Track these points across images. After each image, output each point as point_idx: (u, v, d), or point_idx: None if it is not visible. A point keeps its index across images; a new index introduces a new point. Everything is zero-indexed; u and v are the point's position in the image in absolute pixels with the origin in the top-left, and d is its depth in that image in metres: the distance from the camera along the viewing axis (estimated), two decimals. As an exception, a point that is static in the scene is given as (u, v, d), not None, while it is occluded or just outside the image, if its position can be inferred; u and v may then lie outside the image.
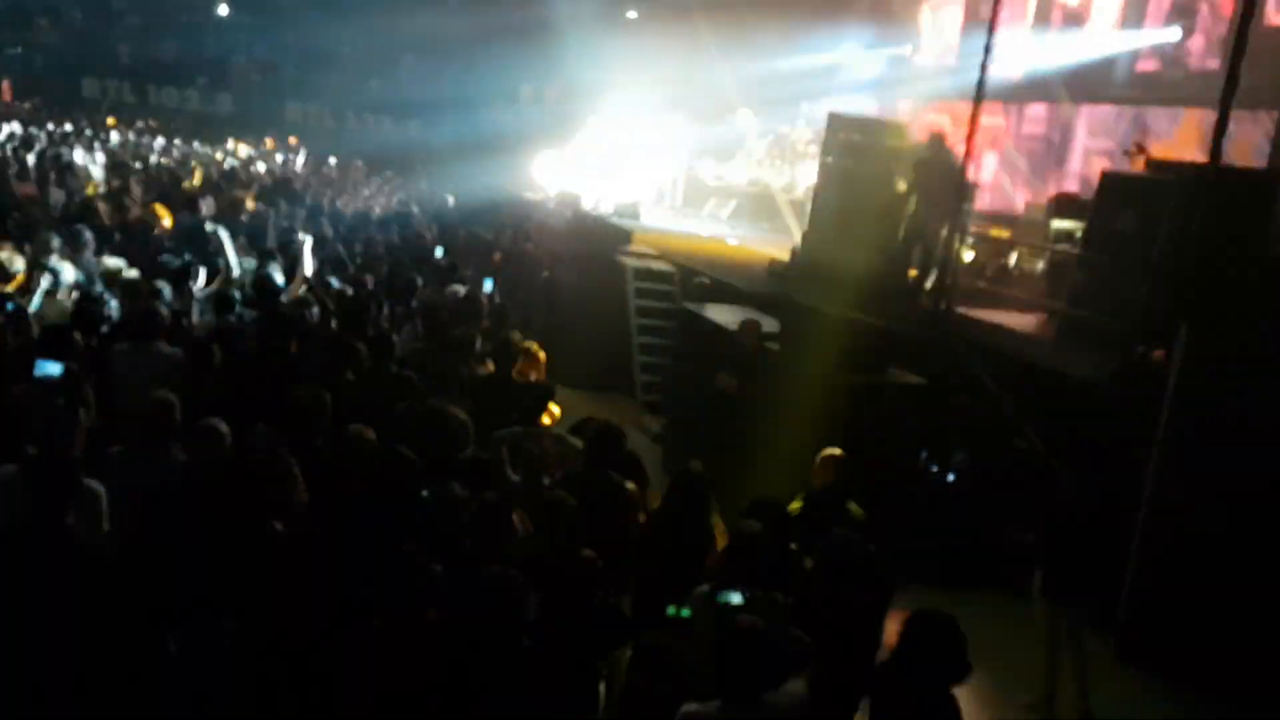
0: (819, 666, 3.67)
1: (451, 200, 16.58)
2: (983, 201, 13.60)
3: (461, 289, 8.96)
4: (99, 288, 6.94)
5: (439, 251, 11.19)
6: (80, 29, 26.33)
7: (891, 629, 4.37)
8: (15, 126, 18.33)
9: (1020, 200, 15.39)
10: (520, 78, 24.56)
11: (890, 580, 5.21)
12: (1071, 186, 14.20)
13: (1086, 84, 15.20)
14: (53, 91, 23.13)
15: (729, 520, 4.77)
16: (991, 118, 15.05)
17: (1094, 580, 6.22)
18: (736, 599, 3.69)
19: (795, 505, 5.20)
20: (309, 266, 8.17)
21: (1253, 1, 8.15)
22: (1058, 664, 6.20)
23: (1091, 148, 15.33)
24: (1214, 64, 13.22)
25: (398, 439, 4.50)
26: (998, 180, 16.50)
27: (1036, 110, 16.32)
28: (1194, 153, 11.05)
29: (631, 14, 22.25)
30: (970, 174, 10.13)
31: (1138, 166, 10.05)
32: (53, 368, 4.73)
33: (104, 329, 6.14)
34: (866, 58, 18.90)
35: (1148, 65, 14.81)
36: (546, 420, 5.99)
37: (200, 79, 26.53)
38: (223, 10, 27.47)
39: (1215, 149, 7.90)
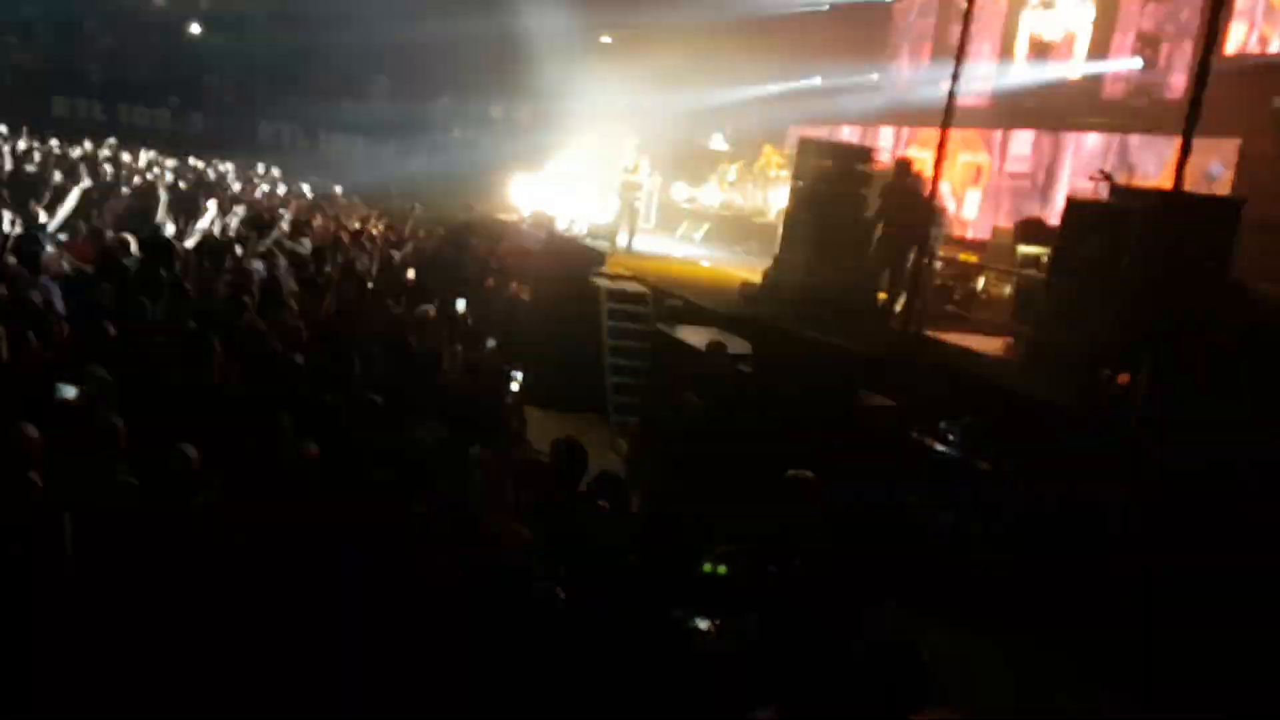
0: (788, 694, 3.65)
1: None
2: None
3: (432, 309, 8.93)
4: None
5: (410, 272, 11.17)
6: (51, 48, 26.14)
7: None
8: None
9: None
10: (492, 99, 24.61)
11: (861, 603, 5.21)
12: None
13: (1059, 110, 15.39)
14: (22, 110, 22.87)
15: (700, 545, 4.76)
16: (972, 151, 15.31)
17: (1064, 601, 6.26)
18: (704, 625, 3.67)
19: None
20: None
21: (1215, 31, 8.32)
22: (1030, 684, 6.23)
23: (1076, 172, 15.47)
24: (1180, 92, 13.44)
25: (363, 460, 4.46)
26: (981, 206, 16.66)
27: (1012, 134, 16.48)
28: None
29: (606, 39, 22.36)
30: (938, 199, 10.25)
31: (1103, 194, 10.20)
32: (69, 391, 4.68)
33: None
34: (838, 83, 19.10)
35: (1114, 93, 15.03)
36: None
37: (172, 98, 26.37)
38: (195, 30, 27.35)
39: (1179, 176, 8.05)
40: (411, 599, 3.90)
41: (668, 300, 11.40)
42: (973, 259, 13.01)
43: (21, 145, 17.14)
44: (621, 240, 15.17)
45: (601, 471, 5.29)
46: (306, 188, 19.03)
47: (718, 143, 19.63)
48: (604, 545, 4.61)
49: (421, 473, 4.68)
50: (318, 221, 13.95)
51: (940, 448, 7.72)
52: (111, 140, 19.23)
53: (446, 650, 3.75)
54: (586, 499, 4.83)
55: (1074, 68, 15.46)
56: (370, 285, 9.66)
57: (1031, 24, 16.35)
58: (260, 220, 11.19)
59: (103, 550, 3.94)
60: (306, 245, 10.73)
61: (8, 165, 14.12)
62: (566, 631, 3.99)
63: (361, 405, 5.39)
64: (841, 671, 4.43)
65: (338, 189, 20.08)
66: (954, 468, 7.63)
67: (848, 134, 18.01)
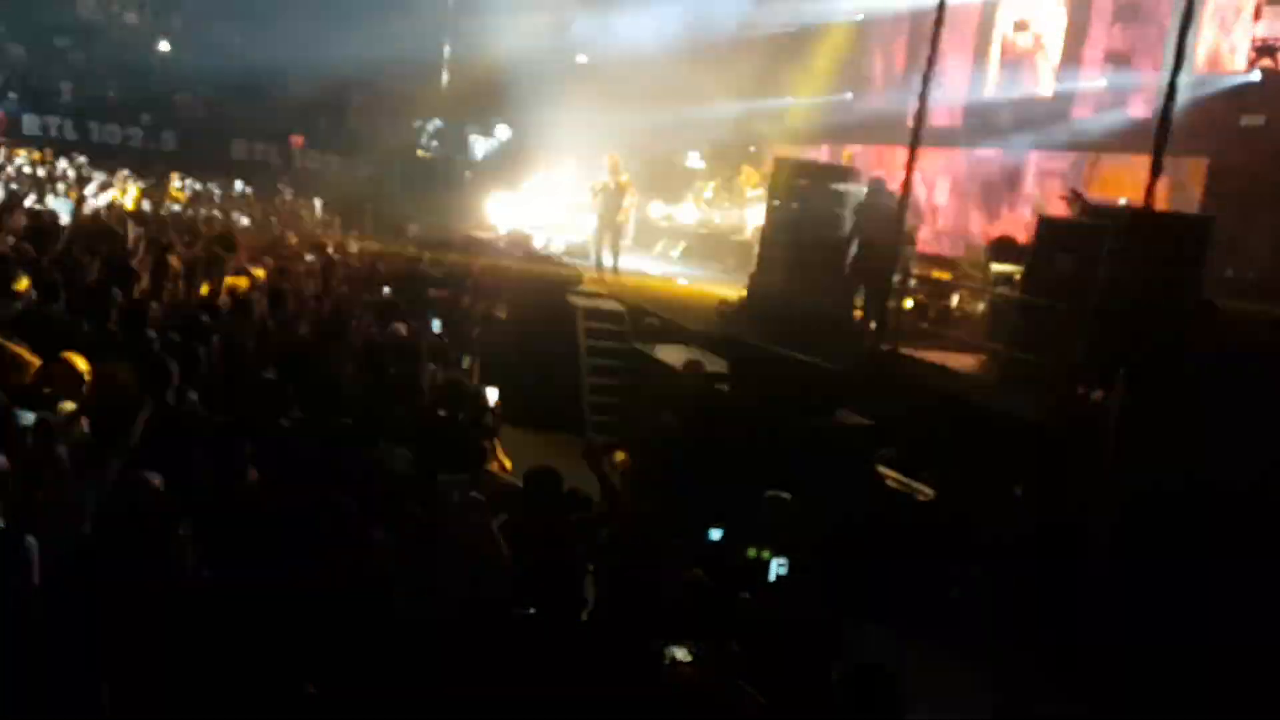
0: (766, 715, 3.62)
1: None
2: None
3: (404, 328, 8.84)
4: None
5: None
6: (22, 66, 25.94)
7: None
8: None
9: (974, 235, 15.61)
10: (468, 118, 24.61)
11: (840, 623, 5.19)
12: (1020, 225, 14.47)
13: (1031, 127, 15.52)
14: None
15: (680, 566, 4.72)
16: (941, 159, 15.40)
17: (1042, 617, 6.28)
18: (682, 654, 3.63)
19: (751, 552, 5.17)
20: None
21: (1182, 50, 8.43)
22: (1010, 703, 6.21)
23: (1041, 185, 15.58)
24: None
25: (332, 485, 4.39)
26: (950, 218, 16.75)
27: (985, 152, 16.60)
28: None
29: (581, 58, 22.43)
30: (910, 217, 10.32)
31: (1074, 212, 10.29)
32: (27, 416, 4.60)
33: None
34: (813, 101, 19.23)
35: (1084, 111, 15.21)
36: (494, 467, 5.92)
37: (144, 116, 26.18)
38: (164, 47, 27.20)
39: (1149, 194, 8.13)
40: (381, 626, 3.85)
41: (645, 319, 11.39)
42: (946, 276, 13.09)
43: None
44: (605, 259, 14.46)
45: (571, 492, 5.24)
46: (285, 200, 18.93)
47: (694, 161, 19.68)
48: (578, 571, 4.57)
49: (388, 499, 4.62)
50: (290, 239, 13.87)
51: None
52: (83, 159, 19.10)
53: (420, 678, 3.69)
54: (560, 524, 4.79)
55: (1044, 86, 15.65)
56: (343, 304, 9.57)
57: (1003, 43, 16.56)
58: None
59: (70, 578, 3.87)
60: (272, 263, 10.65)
61: None
62: (545, 658, 3.94)
63: (331, 428, 5.32)
64: (820, 695, 4.41)
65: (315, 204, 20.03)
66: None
67: (825, 152, 18.13)
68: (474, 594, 4.09)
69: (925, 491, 7.61)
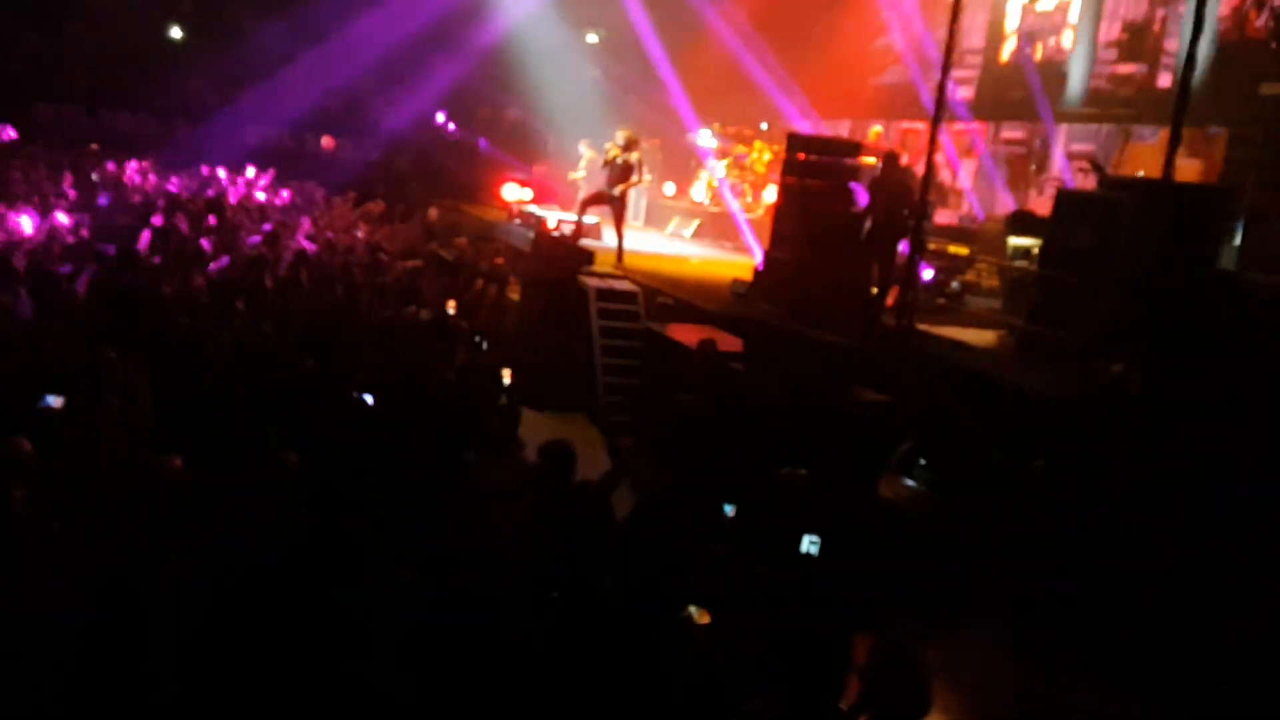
0: (785, 688, 3.62)
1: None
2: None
3: (422, 310, 8.87)
4: None
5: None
6: (33, 52, 25.96)
7: (862, 650, 4.35)
8: None
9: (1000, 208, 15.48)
10: (479, 100, 24.56)
11: (858, 599, 5.20)
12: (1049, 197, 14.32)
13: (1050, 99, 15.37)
14: (4, 116, 22.73)
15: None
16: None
17: (1063, 594, 6.25)
18: (695, 611, 3.64)
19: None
20: None
21: (1200, 22, 8.31)
22: (1032, 679, 6.21)
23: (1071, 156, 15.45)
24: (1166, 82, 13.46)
25: (358, 463, 4.42)
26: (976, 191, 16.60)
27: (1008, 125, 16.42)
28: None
29: (591, 37, 22.32)
30: (929, 191, 10.24)
31: (1092, 184, 10.20)
32: (55, 400, 4.64)
33: None
34: (824, 77, 19.08)
35: (1103, 84, 15.04)
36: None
37: (155, 102, 26.22)
38: (175, 33, 27.21)
39: (1168, 165, 8.04)
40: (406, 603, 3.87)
41: (658, 298, 11.36)
42: (964, 251, 13.00)
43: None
44: (609, 240, 13.75)
45: (582, 481, 5.24)
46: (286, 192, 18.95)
47: (706, 139, 19.60)
48: (595, 546, 4.59)
49: (414, 478, 4.65)
50: (305, 224, 13.89)
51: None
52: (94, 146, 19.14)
53: (444, 652, 3.71)
54: (576, 502, 4.81)
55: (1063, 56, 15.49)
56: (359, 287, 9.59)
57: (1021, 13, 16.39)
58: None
59: (93, 561, 3.89)
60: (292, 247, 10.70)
61: None
62: (562, 630, 3.96)
63: (353, 410, 5.34)
64: (834, 665, 4.40)
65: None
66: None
67: (839, 128, 18.01)
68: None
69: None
